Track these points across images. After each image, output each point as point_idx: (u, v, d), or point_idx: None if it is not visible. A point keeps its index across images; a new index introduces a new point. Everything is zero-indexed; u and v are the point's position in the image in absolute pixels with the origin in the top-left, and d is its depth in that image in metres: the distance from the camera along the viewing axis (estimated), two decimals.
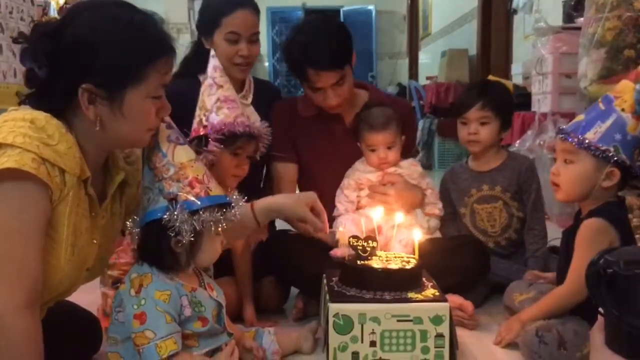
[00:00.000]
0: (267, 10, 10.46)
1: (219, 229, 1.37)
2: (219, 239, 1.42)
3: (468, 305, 1.84)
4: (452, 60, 6.37)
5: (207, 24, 2.14)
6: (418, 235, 1.63)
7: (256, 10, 2.15)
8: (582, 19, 3.44)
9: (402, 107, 2.20)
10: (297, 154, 2.11)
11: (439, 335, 1.48)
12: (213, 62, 1.80)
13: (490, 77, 4.41)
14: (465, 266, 1.95)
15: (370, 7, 10.22)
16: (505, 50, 5.74)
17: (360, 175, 2.02)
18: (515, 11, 5.21)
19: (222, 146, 1.71)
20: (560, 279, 1.67)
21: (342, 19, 10.37)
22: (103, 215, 1.36)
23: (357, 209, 2.02)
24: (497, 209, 2.17)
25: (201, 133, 1.72)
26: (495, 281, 2.08)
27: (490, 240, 2.19)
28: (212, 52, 1.88)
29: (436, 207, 2.04)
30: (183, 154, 1.37)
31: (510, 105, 2.25)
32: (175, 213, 1.31)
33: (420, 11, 9.10)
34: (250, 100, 2.21)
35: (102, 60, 1.21)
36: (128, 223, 1.37)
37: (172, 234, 1.31)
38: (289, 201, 1.71)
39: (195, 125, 1.76)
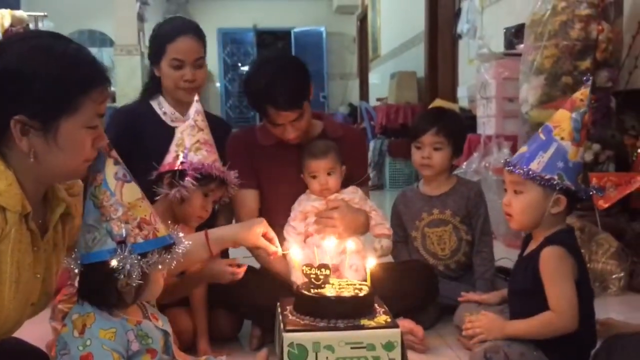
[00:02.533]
0: (217, 31, 10.50)
1: (165, 268, 1.38)
2: (162, 273, 1.42)
3: (418, 330, 1.89)
4: (401, 82, 6.52)
5: (154, 52, 2.22)
6: (371, 262, 1.66)
7: (200, 36, 2.21)
8: (522, 45, 3.61)
9: (354, 136, 2.27)
10: (256, 181, 2.13)
11: None
12: (196, 107, 1.90)
13: (438, 100, 4.56)
14: (414, 290, 2.00)
15: (321, 28, 10.38)
16: (452, 73, 5.92)
17: (305, 204, 2.05)
18: (460, 36, 5.39)
19: (197, 184, 1.76)
20: (515, 301, 1.75)
21: (293, 41, 10.51)
22: (45, 248, 1.34)
23: (306, 237, 2.05)
24: (447, 233, 2.24)
25: (178, 168, 1.78)
26: (444, 303, 2.13)
27: (441, 264, 2.25)
28: (196, 97, 1.96)
29: (385, 227, 2.08)
30: (131, 192, 1.36)
31: (463, 133, 2.35)
32: (125, 257, 1.29)
33: (369, 34, 9.28)
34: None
35: (35, 90, 1.19)
36: (67, 260, 1.36)
37: (120, 276, 1.31)
38: (242, 231, 1.74)
39: (170, 159, 1.82)
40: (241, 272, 1.78)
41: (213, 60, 9.99)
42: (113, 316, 1.34)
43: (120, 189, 1.35)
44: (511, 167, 1.67)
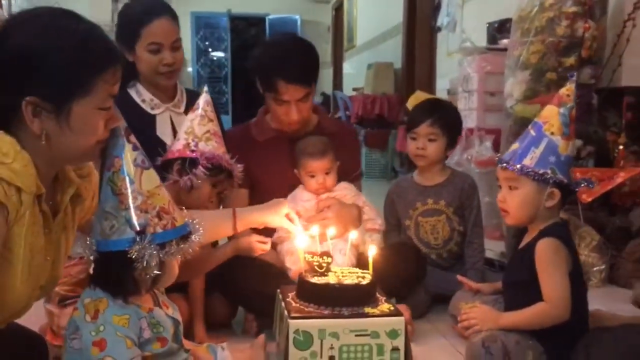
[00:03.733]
0: (191, 16, 10.35)
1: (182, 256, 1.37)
2: (177, 260, 1.41)
3: (404, 310, 1.91)
4: (378, 73, 6.55)
5: (126, 37, 2.10)
6: (372, 250, 1.68)
7: (174, 17, 2.14)
8: (505, 40, 3.66)
9: (348, 132, 2.30)
10: (251, 177, 2.13)
11: (395, 349, 1.54)
12: (206, 97, 1.90)
13: (419, 92, 4.59)
14: (402, 271, 2.02)
15: (296, 16, 10.33)
16: (429, 66, 5.97)
17: (297, 204, 2.05)
18: (439, 29, 5.43)
19: (208, 174, 1.77)
20: (510, 292, 1.79)
21: (267, 27, 10.43)
22: (56, 230, 1.32)
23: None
24: (440, 222, 2.27)
25: (190, 155, 1.78)
26: (436, 292, 2.17)
27: (433, 252, 2.28)
28: (205, 89, 1.93)
29: (376, 223, 2.10)
30: (150, 180, 1.33)
31: (458, 125, 2.37)
32: (144, 247, 1.27)
33: (345, 23, 9.28)
34: (182, 109, 2.21)
35: (47, 72, 1.17)
36: (81, 246, 1.34)
37: (138, 266, 1.29)
38: (270, 211, 1.80)
39: (180, 147, 1.81)
40: (269, 245, 1.85)
41: (186, 44, 9.83)
42: (126, 303, 1.33)
43: (139, 177, 1.32)
44: (505, 164, 1.70)
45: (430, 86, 5.62)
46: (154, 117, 2.10)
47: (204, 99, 1.89)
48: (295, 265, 1.94)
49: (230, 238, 1.89)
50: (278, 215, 1.78)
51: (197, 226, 1.42)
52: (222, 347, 1.64)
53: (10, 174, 1.13)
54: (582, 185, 1.75)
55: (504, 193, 1.73)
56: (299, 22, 10.34)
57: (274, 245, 2.07)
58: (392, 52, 6.66)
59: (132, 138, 1.35)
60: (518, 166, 1.66)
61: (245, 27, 11.21)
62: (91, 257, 1.32)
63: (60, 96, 1.19)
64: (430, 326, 2.03)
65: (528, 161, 1.65)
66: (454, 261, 2.30)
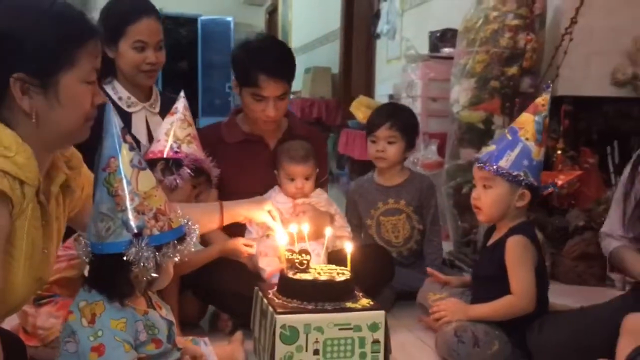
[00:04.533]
0: None
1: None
2: (173, 262, 1.42)
3: None
4: (316, 77, 6.64)
5: (110, 32, 2.09)
6: (349, 248, 1.74)
7: (159, 17, 2.17)
8: (447, 49, 3.84)
9: (317, 137, 2.35)
10: (219, 179, 2.14)
11: (375, 341, 1.60)
12: (184, 102, 1.93)
13: (362, 97, 4.71)
14: (371, 272, 2.08)
15: (229, 18, 10.26)
16: (367, 71, 6.12)
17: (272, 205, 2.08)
18: (378, 36, 5.58)
19: (193, 174, 1.81)
20: (478, 286, 1.90)
21: (199, 29, 10.30)
22: (49, 222, 1.31)
23: (266, 236, 2.09)
24: (401, 221, 2.37)
25: (175, 157, 1.82)
26: (399, 289, 2.26)
27: (394, 251, 2.38)
28: (182, 93, 1.96)
29: (345, 230, 2.18)
30: (147, 181, 1.32)
31: (416, 127, 2.48)
32: (141, 250, 1.27)
33: (279, 27, 9.33)
34: (157, 109, 2.21)
35: (30, 46, 1.18)
36: (76, 248, 1.32)
37: (135, 269, 1.29)
38: (255, 207, 1.85)
39: (162, 148, 1.85)
40: (255, 249, 1.90)
41: None
42: (122, 305, 1.32)
43: (136, 178, 1.30)
44: (482, 164, 1.82)
45: (368, 91, 5.76)
46: (129, 115, 2.08)
47: (182, 104, 1.93)
48: (269, 266, 1.98)
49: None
50: (262, 211, 1.83)
51: (193, 227, 1.43)
52: (204, 342, 1.66)
53: (14, 167, 1.12)
54: (549, 188, 1.88)
55: (478, 191, 1.84)
56: (232, 24, 10.27)
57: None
58: (330, 56, 6.77)
59: (129, 138, 1.33)
60: (494, 167, 1.77)
61: (176, 27, 11.00)
62: (86, 260, 1.31)
63: (46, 70, 1.20)
64: (396, 321, 2.12)
65: (503, 163, 1.77)
66: (414, 259, 2.40)
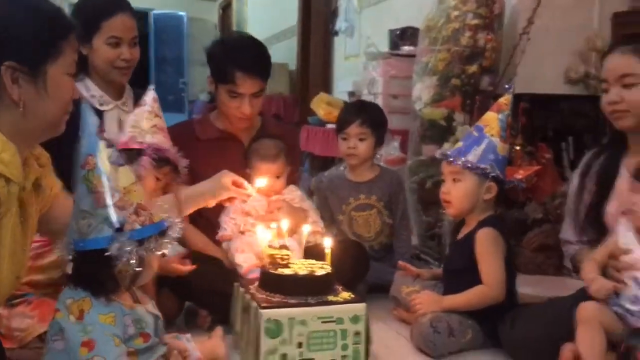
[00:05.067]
0: (69, 7, 9.80)
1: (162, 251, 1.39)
2: (157, 257, 1.43)
3: None
4: (273, 73, 6.52)
5: (84, 28, 2.04)
6: (328, 243, 1.78)
7: (134, 14, 2.16)
8: (407, 47, 3.92)
9: (290, 136, 2.38)
10: (192, 175, 2.15)
11: (357, 333, 1.65)
12: (153, 94, 1.93)
13: (322, 94, 4.75)
14: (348, 267, 2.13)
15: (182, 13, 10.12)
16: (324, 68, 6.16)
17: (247, 203, 2.10)
18: (336, 33, 5.63)
19: (154, 164, 1.77)
20: (450, 279, 1.97)
21: (152, 23, 10.13)
22: (27, 219, 1.31)
23: (241, 232, 2.12)
24: (372, 216, 2.43)
25: (136, 147, 1.78)
26: (370, 282, 2.31)
27: (365, 245, 2.43)
28: (152, 86, 1.95)
29: (319, 226, 2.21)
30: (126, 177, 1.35)
31: (385, 124, 2.53)
32: (124, 244, 1.29)
33: (234, 22, 9.27)
34: (129, 108, 2.19)
35: (22, 36, 1.22)
36: (58, 247, 1.33)
37: (118, 263, 1.30)
38: (211, 186, 1.89)
39: (126, 139, 1.81)
40: (188, 267, 1.89)
41: None
42: (108, 301, 1.33)
43: (115, 174, 1.33)
44: (451, 159, 1.89)
45: (326, 88, 5.80)
46: (101, 113, 2.06)
47: (151, 96, 1.92)
48: (245, 262, 2.00)
49: None
50: (221, 187, 1.86)
51: (174, 221, 1.44)
52: (186, 338, 1.67)
53: (1, 165, 1.12)
54: (513, 184, 1.97)
55: (448, 186, 1.91)
56: (185, 19, 10.15)
57: (219, 243, 2.12)
58: (287, 53, 6.78)
59: (106, 135, 1.36)
60: (463, 159, 1.84)
61: None
62: (69, 257, 1.31)
63: (37, 59, 1.24)
64: (370, 314, 2.10)
65: (471, 157, 1.85)
66: (385, 253, 2.47)
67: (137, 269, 1.33)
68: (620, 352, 1.44)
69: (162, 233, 1.38)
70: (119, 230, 1.29)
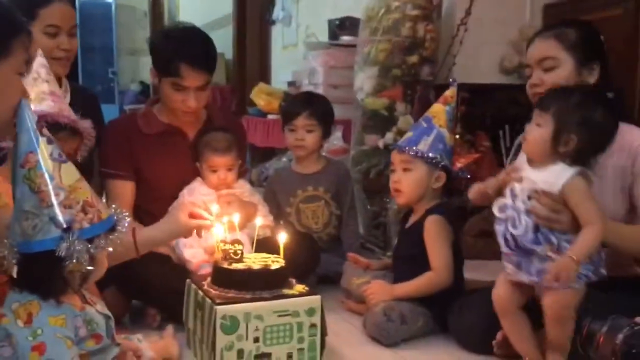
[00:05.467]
0: None
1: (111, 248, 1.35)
2: (106, 253, 1.38)
3: None
4: None
5: None
6: (283, 237, 1.76)
7: (72, 3, 2.09)
8: (346, 37, 3.94)
9: (237, 128, 2.33)
10: (137, 171, 2.08)
11: (313, 325, 1.65)
12: (40, 60, 1.74)
13: (262, 85, 4.71)
14: (300, 259, 2.12)
15: (110, 0, 9.78)
16: (262, 58, 6.10)
17: (197, 197, 2.06)
18: (274, 22, 5.58)
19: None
20: (400, 266, 2.00)
21: (77, 9, 9.73)
22: None
23: None
24: (320, 208, 2.43)
25: None
26: (320, 273, 2.32)
27: (314, 237, 2.42)
28: (40, 51, 1.77)
29: (269, 219, 2.20)
30: (70, 174, 1.29)
31: (332, 116, 2.53)
32: (73, 244, 1.24)
33: (165, 10, 9.03)
34: (67, 102, 2.10)
35: None
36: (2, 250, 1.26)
37: (68, 264, 1.25)
38: (168, 227, 1.81)
39: None
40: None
41: None
42: (58, 303, 1.28)
43: (58, 171, 1.27)
44: (402, 148, 1.91)
45: (264, 78, 5.76)
46: None
47: (38, 62, 1.75)
48: (194, 257, 1.97)
49: None
50: (181, 225, 1.78)
51: (122, 215, 1.40)
52: (138, 338, 1.63)
53: None
54: (460, 174, 2.02)
55: (398, 175, 1.94)
56: (113, 6, 9.80)
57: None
58: (223, 42, 6.64)
59: (46, 131, 1.30)
60: (414, 148, 1.87)
61: None
62: (13, 261, 1.25)
63: None
64: None
65: (422, 146, 1.88)
66: (333, 243, 2.48)
67: (89, 267, 1.28)
68: (583, 335, 1.50)
69: (111, 229, 1.33)
70: (67, 229, 1.24)
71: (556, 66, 1.71)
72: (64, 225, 1.24)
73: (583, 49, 1.71)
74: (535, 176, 1.54)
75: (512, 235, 1.54)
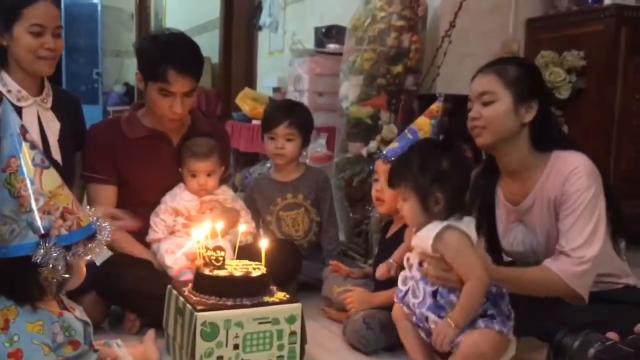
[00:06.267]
0: None
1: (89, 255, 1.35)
2: (84, 261, 1.39)
3: None
4: None
5: (3, 17, 1.95)
6: (264, 244, 1.77)
7: (57, 4, 2.07)
8: (332, 45, 3.96)
9: (221, 134, 2.34)
10: (119, 175, 2.08)
11: (293, 333, 1.66)
12: None
13: (247, 90, 4.72)
14: (282, 266, 2.13)
15: (95, 1, 9.73)
16: (248, 63, 6.11)
17: (179, 201, 2.07)
18: (260, 28, 5.59)
19: None
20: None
21: (63, 10, 9.66)
22: None
23: (171, 233, 2.08)
24: (300, 215, 2.44)
25: None
26: (300, 280, 2.33)
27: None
28: None
29: (251, 226, 2.21)
30: (51, 180, 1.30)
31: (312, 124, 2.55)
32: (50, 250, 1.24)
33: (152, 12, 9.00)
34: (49, 104, 2.10)
35: None
36: None
37: (43, 270, 1.25)
38: None
39: None
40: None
41: None
42: (34, 309, 1.28)
43: (39, 177, 1.28)
44: (387, 159, 1.93)
45: (249, 83, 5.76)
46: (20, 109, 1.94)
47: None
48: (176, 263, 1.97)
49: None
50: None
51: (103, 225, 1.41)
52: (117, 344, 1.64)
53: None
54: None
55: (381, 184, 1.95)
56: (99, 7, 9.75)
57: (148, 245, 2.08)
58: (209, 46, 6.65)
59: (29, 136, 1.31)
60: None
61: None
62: None
63: None
64: None
65: None
66: (312, 250, 2.49)
67: (65, 275, 1.28)
68: (555, 350, 1.52)
69: (91, 237, 1.34)
70: (45, 235, 1.25)
71: (494, 100, 1.72)
72: (42, 231, 1.25)
73: (522, 87, 1.72)
74: (415, 241, 1.60)
75: (414, 304, 1.60)
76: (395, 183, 1.62)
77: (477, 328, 1.51)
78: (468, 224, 1.56)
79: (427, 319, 1.57)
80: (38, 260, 1.23)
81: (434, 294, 1.56)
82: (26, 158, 1.27)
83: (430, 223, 1.56)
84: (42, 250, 1.23)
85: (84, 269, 1.39)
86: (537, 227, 1.77)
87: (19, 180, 1.25)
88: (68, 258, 1.27)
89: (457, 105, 3.27)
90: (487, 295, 1.54)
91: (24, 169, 1.26)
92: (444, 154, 1.58)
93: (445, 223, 1.53)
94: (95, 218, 1.40)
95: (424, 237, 1.55)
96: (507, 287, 1.61)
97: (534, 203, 1.76)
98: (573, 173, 1.67)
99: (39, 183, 1.27)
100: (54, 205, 1.27)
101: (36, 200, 1.26)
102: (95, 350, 1.44)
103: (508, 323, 1.53)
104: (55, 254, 1.24)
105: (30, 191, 1.25)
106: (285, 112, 2.45)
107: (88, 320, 1.42)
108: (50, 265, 1.24)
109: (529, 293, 1.68)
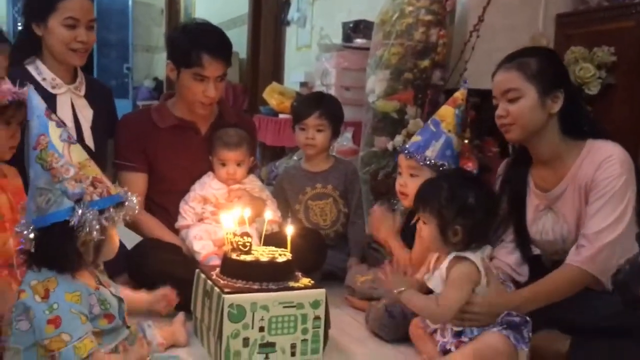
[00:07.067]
0: None
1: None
2: (116, 231, 1.45)
3: None
4: None
5: (38, 7, 2.05)
6: (290, 230, 1.81)
7: None
8: (359, 40, 3.98)
9: (248, 125, 2.40)
10: (149, 164, 2.14)
11: (317, 318, 1.70)
12: None
13: (275, 84, 4.76)
14: (306, 254, 2.16)
15: None
16: (275, 58, 6.16)
17: (208, 191, 2.12)
18: (288, 23, 5.63)
19: None
20: None
21: (95, 5, 9.85)
22: None
23: (199, 220, 2.13)
24: (328, 205, 2.48)
25: None
26: (325, 269, 2.36)
27: (321, 233, 2.47)
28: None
29: (277, 215, 2.26)
30: (78, 153, 1.38)
31: (341, 116, 2.58)
32: (85, 213, 1.30)
33: (181, 8, 9.11)
34: (83, 92, 2.17)
35: None
36: (18, 228, 1.33)
37: (81, 234, 1.31)
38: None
39: None
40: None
41: (1, 17, 9.02)
42: (73, 278, 1.34)
43: (68, 150, 1.36)
44: (409, 154, 1.95)
45: (277, 78, 5.81)
46: (54, 96, 2.02)
47: None
48: (204, 249, 2.02)
49: None
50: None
51: (130, 196, 1.46)
52: (148, 325, 1.69)
53: None
54: None
55: (405, 179, 1.98)
56: (130, 3, 9.90)
57: (177, 232, 2.13)
58: (237, 41, 6.68)
59: (54, 116, 1.38)
60: (422, 157, 1.91)
61: None
62: (31, 236, 1.31)
63: None
64: None
65: (430, 152, 1.91)
66: (339, 240, 2.52)
67: (100, 237, 1.34)
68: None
69: (119, 205, 1.39)
70: (78, 201, 1.31)
71: (520, 97, 1.72)
72: (76, 197, 1.31)
73: (545, 79, 1.71)
74: (430, 283, 1.69)
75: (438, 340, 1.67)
76: (420, 207, 1.65)
77: (493, 332, 1.56)
78: (481, 253, 1.61)
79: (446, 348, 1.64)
80: (75, 223, 1.29)
81: (459, 334, 1.61)
82: (53, 134, 1.34)
83: (446, 259, 1.62)
84: (78, 213, 1.29)
85: (117, 238, 1.44)
86: (568, 213, 1.77)
87: (49, 155, 1.32)
88: (102, 221, 1.33)
89: (484, 100, 3.29)
90: (510, 325, 1.57)
91: (53, 143, 1.33)
92: (472, 187, 1.61)
93: (452, 254, 1.60)
94: (122, 190, 1.45)
95: (438, 283, 1.64)
96: (531, 307, 1.63)
97: (566, 189, 1.75)
98: (606, 160, 1.67)
99: (68, 156, 1.34)
100: (84, 174, 1.35)
101: (67, 170, 1.33)
102: (128, 327, 1.49)
103: (523, 343, 1.56)
104: (90, 216, 1.30)
105: (61, 163, 1.33)
106: (316, 103, 2.49)
107: (122, 297, 1.47)
108: (87, 228, 1.30)
109: (559, 299, 1.67)
